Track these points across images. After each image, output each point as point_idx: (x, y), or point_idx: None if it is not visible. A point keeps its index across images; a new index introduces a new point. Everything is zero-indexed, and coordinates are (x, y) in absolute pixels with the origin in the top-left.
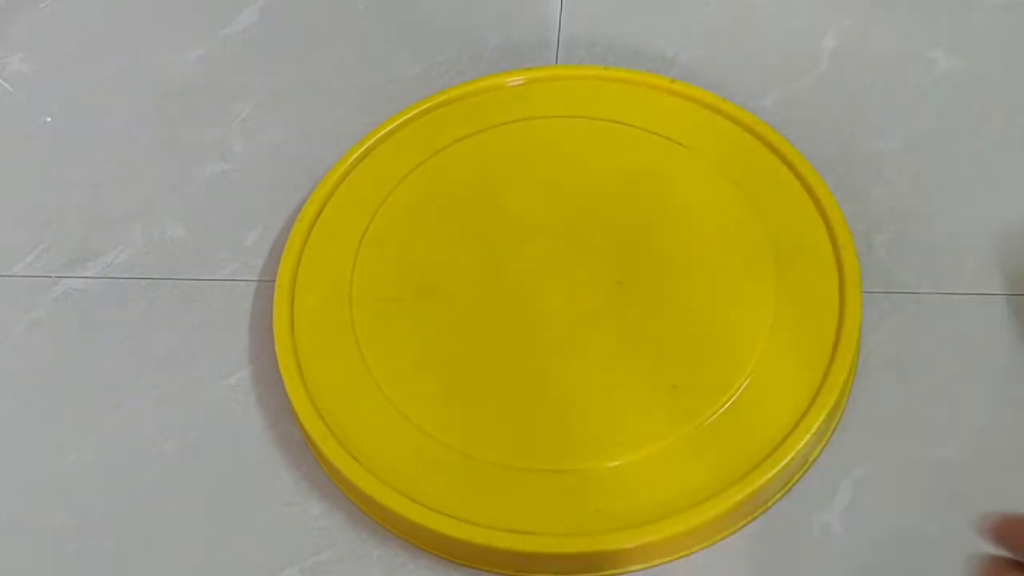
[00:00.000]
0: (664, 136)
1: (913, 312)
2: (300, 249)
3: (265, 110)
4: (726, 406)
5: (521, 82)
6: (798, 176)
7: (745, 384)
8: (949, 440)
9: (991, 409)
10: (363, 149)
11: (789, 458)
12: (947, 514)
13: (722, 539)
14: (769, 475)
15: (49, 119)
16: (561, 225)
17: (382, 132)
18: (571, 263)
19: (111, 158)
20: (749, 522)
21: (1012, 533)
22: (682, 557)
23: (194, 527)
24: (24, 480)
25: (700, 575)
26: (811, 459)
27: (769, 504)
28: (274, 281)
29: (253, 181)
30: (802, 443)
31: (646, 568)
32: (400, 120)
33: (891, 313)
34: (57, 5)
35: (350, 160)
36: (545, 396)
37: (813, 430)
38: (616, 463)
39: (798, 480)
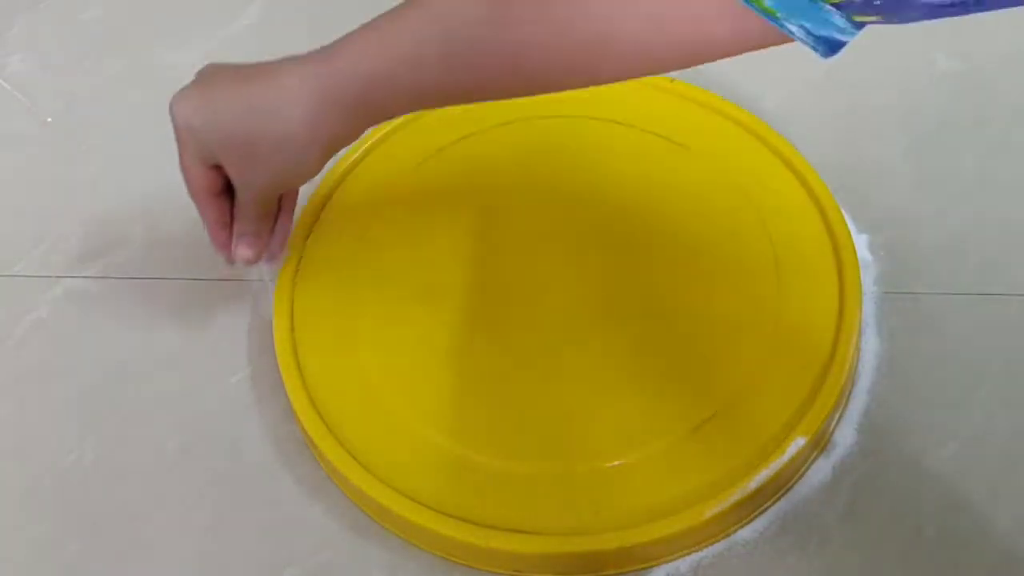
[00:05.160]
0: (664, 137)
1: (913, 312)
2: (300, 249)
3: None
4: (726, 406)
5: None
6: (798, 177)
7: (745, 384)
8: (949, 440)
9: (991, 409)
10: (363, 149)
11: (789, 458)
12: (947, 514)
13: (722, 539)
14: (769, 475)
15: (49, 119)
16: (561, 225)
17: (382, 132)
18: (571, 263)
19: (111, 158)
20: (749, 522)
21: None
22: (682, 557)
23: (194, 527)
24: (24, 480)
25: (700, 575)
26: (811, 459)
27: (769, 504)
28: (274, 281)
29: None
30: (802, 443)
31: (646, 568)
32: (400, 120)
33: (891, 313)
34: (57, 5)
35: (350, 160)
36: (545, 396)
37: (813, 430)
38: (616, 463)
39: (798, 480)
